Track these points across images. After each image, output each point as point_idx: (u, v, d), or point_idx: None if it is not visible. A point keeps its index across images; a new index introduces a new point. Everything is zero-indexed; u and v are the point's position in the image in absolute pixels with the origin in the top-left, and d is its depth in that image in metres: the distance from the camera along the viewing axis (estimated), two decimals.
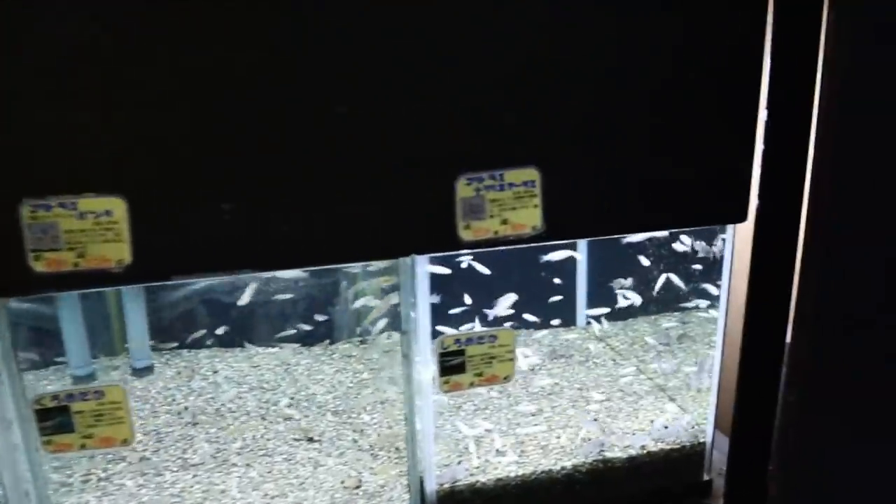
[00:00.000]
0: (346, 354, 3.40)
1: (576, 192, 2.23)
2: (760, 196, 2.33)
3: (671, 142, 2.26)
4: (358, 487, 2.57)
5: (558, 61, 2.10)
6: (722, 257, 2.58)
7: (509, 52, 2.06)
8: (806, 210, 2.34)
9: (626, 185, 2.26)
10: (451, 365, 2.31)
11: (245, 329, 3.44)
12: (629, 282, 3.19)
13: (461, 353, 2.31)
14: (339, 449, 2.74)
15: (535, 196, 2.16)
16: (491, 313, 2.85)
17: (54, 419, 2.06)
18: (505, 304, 2.80)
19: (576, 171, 2.21)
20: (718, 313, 2.62)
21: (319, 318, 3.42)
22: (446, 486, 2.48)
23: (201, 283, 3.33)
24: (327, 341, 3.47)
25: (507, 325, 2.83)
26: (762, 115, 2.29)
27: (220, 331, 3.39)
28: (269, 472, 2.61)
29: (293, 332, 3.46)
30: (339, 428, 2.87)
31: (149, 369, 3.18)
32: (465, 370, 2.33)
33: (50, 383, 2.98)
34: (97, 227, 1.84)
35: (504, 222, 2.16)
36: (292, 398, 3.08)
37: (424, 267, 2.23)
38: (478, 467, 2.58)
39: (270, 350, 3.46)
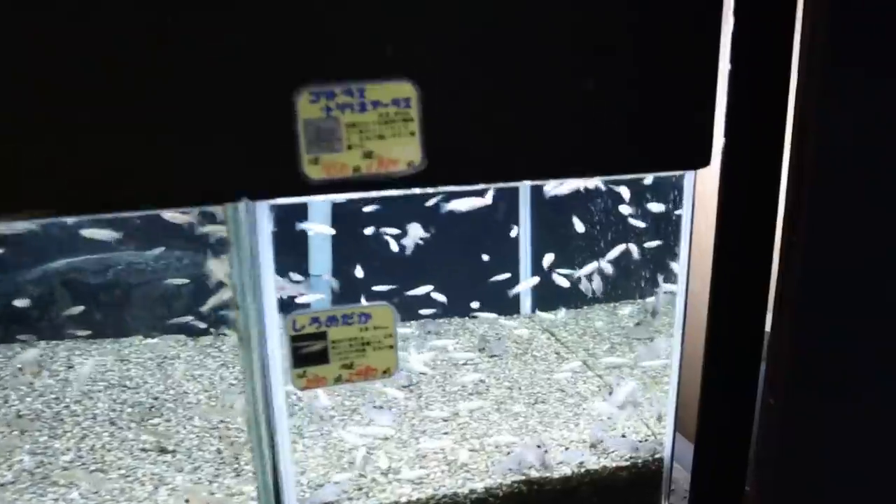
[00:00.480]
0: (235, 345, 2.80)
1: (472, 118, 1.63)
2: (728, 132, 1.77)
3: (610, 57, 1.67)
4: None
5: None
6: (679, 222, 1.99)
7: None
8: (789, 155, 1.75)
9: (546, 111, 1.67)
10: (309, 353, 1.72)
11: (118, 316, 2.85)
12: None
13: (321, 336, 1.72)
14: (196, 462, 2.14)
15: (410, 120, 1.57)
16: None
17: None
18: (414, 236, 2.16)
19: (473, 87, 1.62)
20: (677, 291, 2.03)
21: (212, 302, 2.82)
22: None
23: (62, 261, 2.75)
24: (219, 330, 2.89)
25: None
26: (727, 31, 1.72)
27: (86, 319, 2.80)
28: (95, 493, 2.01)
29: (182, 320, 2.88)
30: (204, 435, 2.28)
31: None
32: (329, 360, 1.73)
33: None
34: None
35: (368, 156, 1.57)
36: (156, 398, 2.48)
37: (264, 219, 1.64)
38: (360, 489, 1.98)
39: (150, 340, 2.87)
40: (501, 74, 1.60)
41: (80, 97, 1.45)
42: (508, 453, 2.08)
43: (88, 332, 2.83)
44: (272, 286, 1.70)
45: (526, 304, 3.04)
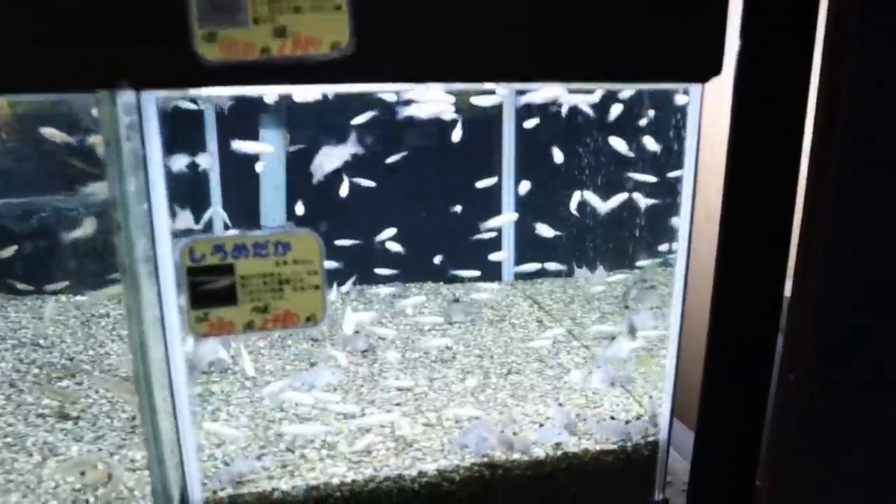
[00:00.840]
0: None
1: None
2: (744, 34, 1.43)
3: None
4: (106, 484, 1.62)
5: None
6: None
7: None
8: (819, 68, 1.40)
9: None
10: (210, 290, 1.37)
11: (40, 269, 2.50)
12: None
13: (227, 269, 1.36)
14: (100, 430, 1.80)
15: None
16: None
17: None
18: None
19: None
20: (679, 241, 1.68)
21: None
22: (222, 493, 1.54)
23: None
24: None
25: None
26: None
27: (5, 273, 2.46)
28: None
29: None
30: (117, 401, 1.93)
31: None
32: (238, 301, 1.38)
33: None
34: None
35: (280, 33, 1.22)
36: (70, 359, 2.14)
37: (151, 115, 1.28)
38: (285, 466, 1.62)
39: (79, 298, 2.52)
40: None
41: None
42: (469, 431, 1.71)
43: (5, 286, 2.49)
44: (164, 203, 1.34)
45: (508, 269, 2.68)
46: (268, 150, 1.99)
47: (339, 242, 2.31)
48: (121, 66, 1.21)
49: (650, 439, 1.76)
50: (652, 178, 2.11)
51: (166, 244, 1.35)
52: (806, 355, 1.55)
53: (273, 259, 1.38)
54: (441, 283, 2.61)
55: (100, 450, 1.73)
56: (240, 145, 1.91)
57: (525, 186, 2.26)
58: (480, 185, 2.31)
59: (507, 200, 2.56)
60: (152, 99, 1.29)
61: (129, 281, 1.35)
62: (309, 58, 1.23)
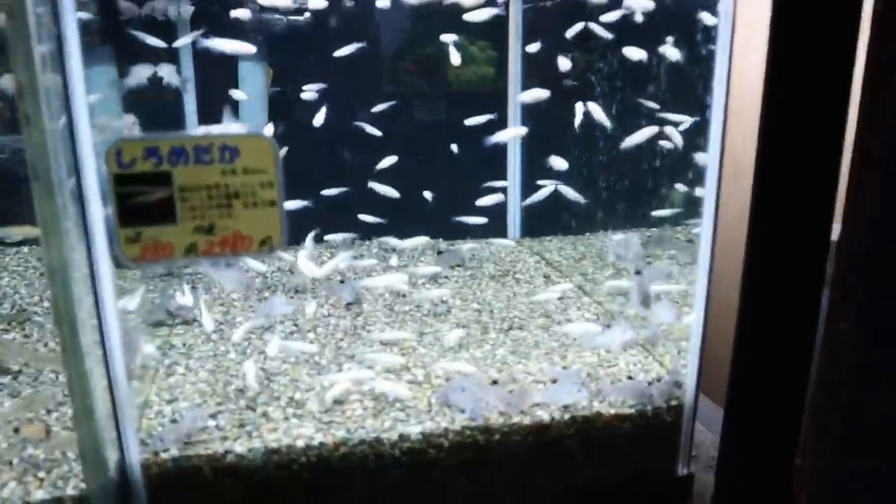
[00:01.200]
0: None
1: None
2: None
3: None
4: (43, 440, 1.39)
5: None
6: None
7: None
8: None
9: None
10: (142, 204, 1.12)
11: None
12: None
13: (163, 179, 1.12)
14: (42, 386, 1.56)
15: None
16: None
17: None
18: None
19: None
20: (706, 182, 1.43)
21: None
22: (165, 455, 1.30)
23: None
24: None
25: None
26: None
27: None
28: None
29: None
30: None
31: None
32: (176, 218, 1.14)
33: None
34: None
35: None
36: (23, 310, 1.91)
37: None
38: (242, 426, 1.38)
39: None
40: None
41: None
42: (462, 390, 1.47)
43: None
44: (82, 94, 1.10)
45: (515, 228, 2.43)
46: (249, 49, 1.73)
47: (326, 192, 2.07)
48: None
49: (673, 403, 1.51)
50: (681, 118, 1.85)
51: (87, 143, 1.11)
52: (858, 301, 1.30)
53: (219, 167, 1.13)
54: (440, 238, 2.35)
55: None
56: (218, 43, 1.66)
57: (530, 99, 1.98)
58: (474, 121, 2.05)
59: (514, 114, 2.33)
60: None
61: (42, 189, 1.10)
62: None
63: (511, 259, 2.21)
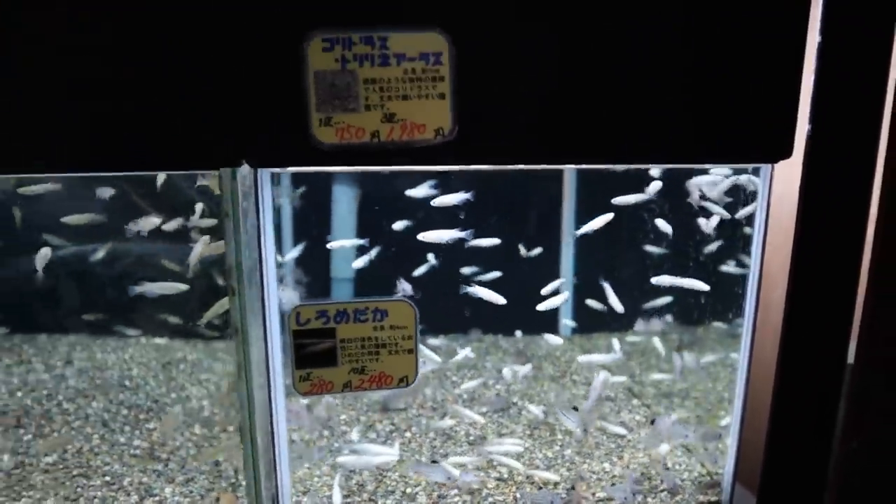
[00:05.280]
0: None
1: (520, 82, 1.39)
2: (813, 119, 1.51)
3: (688, 38, 1.43)
4: None
5: None
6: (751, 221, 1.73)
7: None
8: (885, 153, 1.51)
9: (610, 85, 1.42)
10: (313, 352, 1.48)
11: (124, 313, 2.64)
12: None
13: (329, 333, 1.47)
14: (189, 473, 1.90)
15: (441, 80, 1.33)
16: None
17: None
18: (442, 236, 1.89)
19: (521, 44, 1.38)
20: (745, 314, 1.76)
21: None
22: None
23: (67, 251, 2.56)
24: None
25: None
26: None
27: (90, 313, 2.61)
28: (73, 502, 1.78)
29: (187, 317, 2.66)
30: (203, 444, 2.04)
31: None
32: (338, 362, 1.49)
33: None
34: None
35: (389, 119, 1.33)
36: (155, 401, 2.26)
37: (266, 190, 1.41)
38: None
39: (157, 340, 2.66)
40: (560, 33, 1.36)
41: (71, 53, 1.25)
42: (540, 488, 1.79)
43: (92, 327, 2.63)
44: (273, 269, 1.46)
45: (564, 322, 2.76)
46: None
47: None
48: (245, 146, 1.34)
49: (713, 498, 1.83)
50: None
51: (275, 308, 1.47)
52: (869, 422, 1.64)
53: (371, 324, 1.49)
54: (500, 334, 2.70)
55: (190, 492, 1.84)
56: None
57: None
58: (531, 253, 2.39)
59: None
60: (268, 175, 1.42)
61: (240, 340, 1.46)
62: (415, 142, 1.35)
63: (566, 359, 2.55)
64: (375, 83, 1.31)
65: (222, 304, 1.85)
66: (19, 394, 2.26)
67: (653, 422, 2.03)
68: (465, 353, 2.26)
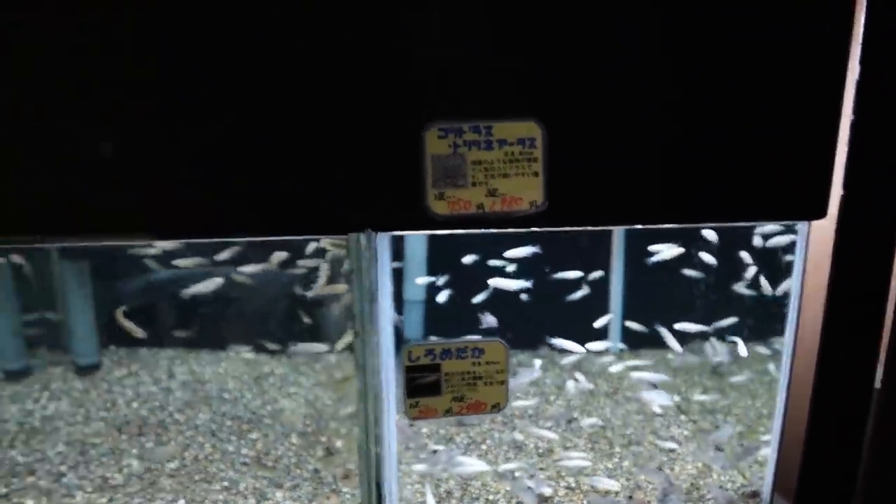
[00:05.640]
0: (330, 365, 2.87)
1: (596, 160, 1.65)
2: (847, 185, 1.75)
3: (733, 109, 1.67)
4: None
5: None
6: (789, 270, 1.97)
7: None
8: None
9: (665, 156, 1.68)
10: (422, 384, 1.75)
11: (216, 328, 2.94)
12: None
13: (435, 368, 1.75)
14: (294, 479, 2.19)
15: (535, 160, 1.60)
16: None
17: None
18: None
19: (597, 130, 1.64)
20: (784, 343, 1.99)
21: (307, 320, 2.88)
22: None
23: (165, 272, 2.85)
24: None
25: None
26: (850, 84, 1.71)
27: (185, 329, 2.90)
28: (200, 503, 2.08)
29: (274, 335, 2.95)
30: (303, 453, 2.33)
31: (94, 367, 2.70)
32: (441, 392, 1.76)
33: None
34: None
35: (492, 193, 1.60)
36: (254, 413, 2.55)
37: (385, 249, 1.68)
38: None
39: (246, 355, 2.95)
40: (624, 118, 1.62)
41: (218, 125, 1.52)
42: (603, 496, 2.07)
43: (188, 342, 2.92)
44: (389, 316, 1.74)
45: (613, 344, 3.02)
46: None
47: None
48: (372, 214, 1.61)
49: None
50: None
51: (390, 347, 1.75)
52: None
53: (470, 360, 1.76)
54: (555, 351, 2.96)
55: (298, 497, 2.12)
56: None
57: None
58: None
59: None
60: (387, 237, 1.69)
61: (361, 373, 1.74)
62: (513, 212, 1.61)
63: (618, 375, 2.81)
64: (481, 164, 1.58)
65: (348, 337, 2.14)
66: (135, 404, 2.56)
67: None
68: (535, 371, 2.53)
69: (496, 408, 1.80)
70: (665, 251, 2.26)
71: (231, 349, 2.91)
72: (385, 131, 1.55)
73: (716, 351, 2.60)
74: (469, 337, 1.76)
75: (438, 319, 2.84)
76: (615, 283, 2.93)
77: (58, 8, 1.41)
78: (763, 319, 2.49)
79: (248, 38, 1.46)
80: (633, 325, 2.76)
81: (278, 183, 1.56)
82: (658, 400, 2.44)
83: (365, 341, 1.71)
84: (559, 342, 2.22)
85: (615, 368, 2.79)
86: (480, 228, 1.64)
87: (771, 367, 2.28)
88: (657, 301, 2.65)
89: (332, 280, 2.39)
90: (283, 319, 2.89)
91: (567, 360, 2.72)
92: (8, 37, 1.41)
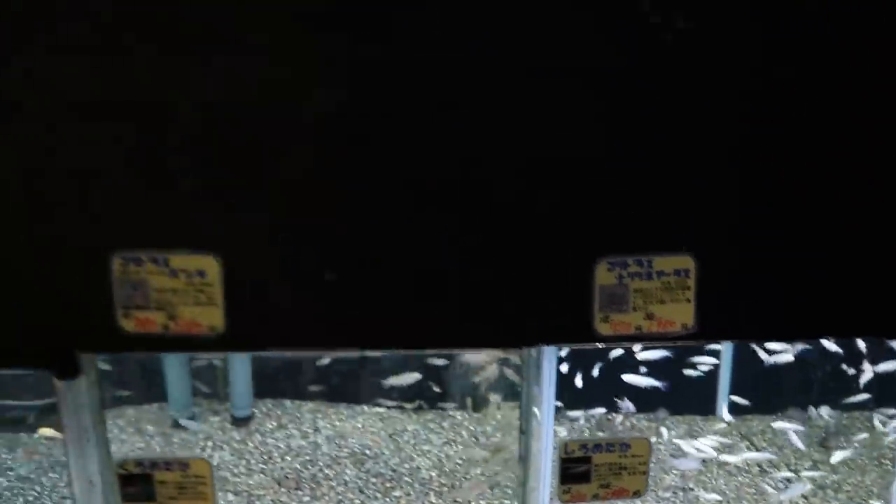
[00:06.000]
0: (456, 423, 3.13)
1: (738, 287, 1.86)
2: None
3: (865, 241, 1.86)
4: None
5: (728, 132, 1.76)
6: None
7: (666, 116, 1.75)
8: None
9: (804, 285, 1.87)
10: (575, 473, 1.99)
11: (350, 384, 3.23)
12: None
13: (587, 460, 1.98)
14: None
15: (688, 289, 1.82)
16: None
17: (137, 486, 1.90)
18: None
19: (741, 262, 1.85)
20: None
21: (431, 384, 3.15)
22: None
23: None
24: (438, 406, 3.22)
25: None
26: None
27: (322, 385, 3.20)
28: None
29: (402, 391, 3.22)
30: None
31: (249, 419, 3.02)
32: (590, 480, 2.00)
33: (149, 422, 2.86)
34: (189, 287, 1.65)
35: (649, 317, 1.83)
36: (394, 470, 2.82)
37: (552, 361, 1.93)
38: None
39: (377, 409, 3.23)
40: (770, 251, 1.83)
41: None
42: None
43: (327, 396, 3.21)
44: (551, 419, 1.99)
45: (722, 407, 3.21)
46: None
47: None
48: (540, 331, 1.86)
49: None
50: None
51: (549, 443, 2.00)
52: None
53: (617, 453, 1.99)
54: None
55: None
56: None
57: None
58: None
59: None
60: (553, 351, 1.94)
61: (524, 464, 2.00)
62: (666, 333, 1.84)
63: (733, 444, 2.99)
64: (641, 292, 1.81)
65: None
66: (288, 458, 2.86)
67: None
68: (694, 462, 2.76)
69: (637, 494, 2.03)
70: (781, 355, 2.45)
71: (366, 404, 3.19)
72: (560, 263, 1.79)
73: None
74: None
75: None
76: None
77: None
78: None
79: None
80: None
81: (487, 299, 1.81)
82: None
83: (528, 435, 1.96)
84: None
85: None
86: (637, 342, 1.87)
87: None
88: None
89: None
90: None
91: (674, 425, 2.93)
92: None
